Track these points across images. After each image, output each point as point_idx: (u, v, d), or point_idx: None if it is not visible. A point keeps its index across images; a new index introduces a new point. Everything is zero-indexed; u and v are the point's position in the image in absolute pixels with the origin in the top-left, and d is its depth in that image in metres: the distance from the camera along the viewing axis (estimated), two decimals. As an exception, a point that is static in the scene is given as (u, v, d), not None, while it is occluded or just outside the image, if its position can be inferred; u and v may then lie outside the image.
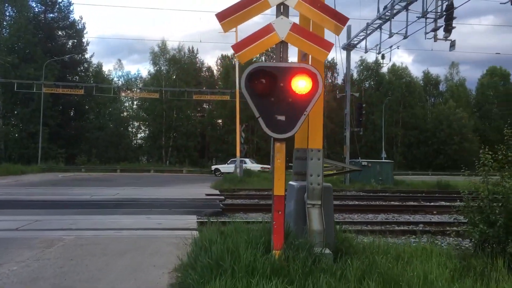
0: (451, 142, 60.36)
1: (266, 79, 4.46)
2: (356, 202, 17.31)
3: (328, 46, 4.70)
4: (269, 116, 4.54)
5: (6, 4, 43.95)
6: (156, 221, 10.27)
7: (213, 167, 41.58)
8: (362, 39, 24.30)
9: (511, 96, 70.72)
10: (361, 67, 64.27)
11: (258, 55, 60.38)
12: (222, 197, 17.49)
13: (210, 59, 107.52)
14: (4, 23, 44.41)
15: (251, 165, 35.73)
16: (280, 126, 4.54)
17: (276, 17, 4.70)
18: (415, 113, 62.82)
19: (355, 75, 65.90)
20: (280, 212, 4.86)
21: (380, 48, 22.84)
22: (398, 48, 22.69)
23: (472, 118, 65.14)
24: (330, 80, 64.42)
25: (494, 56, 58.24)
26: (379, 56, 23.03)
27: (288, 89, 4.46)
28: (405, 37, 19.99)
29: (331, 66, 63.61)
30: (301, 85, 4.40)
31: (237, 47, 4.69)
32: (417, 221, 11.99)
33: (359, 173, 26.38)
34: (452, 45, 17.69)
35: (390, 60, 23.13)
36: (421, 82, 69.80)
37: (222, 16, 4.62)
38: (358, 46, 25.66)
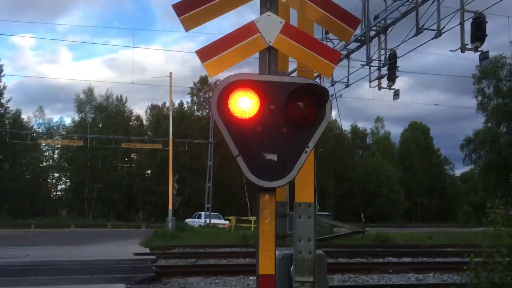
0: (380, 194, 61.49)
1: (250, 98, 2.98)
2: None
3: (335, 57, 3.34)
4: (253, 154, 3.03)
5: None
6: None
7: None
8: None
9: (431, 149, 74.42)
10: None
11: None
12: (154, 257, 15.30)
13: (139, 110, 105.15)
14: None
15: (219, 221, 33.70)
16: (270, 169, 3.03)
17: (261, 13, 3.27)
18: (345, 165, 63.77)
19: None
20: (269, 303, 3.23)
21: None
22: (341, 97, 21.93)
23: (398, 171, 67.25)
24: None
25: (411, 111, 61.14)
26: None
27: (282, 115, 3.00)
28: (347, 85, 19.54)
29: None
30: (302, 109, 2.96)
31: (203, 54, 3.18)
32: (380, 284, 10.66)
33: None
34: (396, 94, 17.34)
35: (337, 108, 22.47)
36: (349, 135, 71.65)
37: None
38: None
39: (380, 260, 16.32)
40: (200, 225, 31.84)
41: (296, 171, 3.10)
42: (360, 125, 76.25)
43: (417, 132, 73.54)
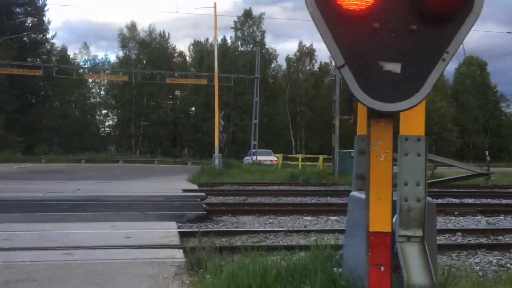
0: (431, 132, 59.22)
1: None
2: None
3: None
4: (366, 63, 2.09)
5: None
6: (124, 233, 7.66)
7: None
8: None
9: (487, 86, 70.32)
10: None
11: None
12: (203, 194, 14.93)
13: (181, 47, 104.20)
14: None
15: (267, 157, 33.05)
16: (390, 84, 2.10)
17: None
18: (394, 102, 61.24)
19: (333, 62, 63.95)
20: (382, 268, 2.40)
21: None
22: None
23: (450, 108, 64.23)
24: (308, 67, 62.29)
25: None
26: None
27: (410, 5, 2.01)
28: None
29: (309, 53, 61.47)
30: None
31: None
32: (451, 228, 9.73)
33: (347, 164, 24.33)
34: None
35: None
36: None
37: None
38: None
39: (440, 200, 15.30)
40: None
41: (429, 88, 2.15)
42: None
43: (473, 67, 69.28)
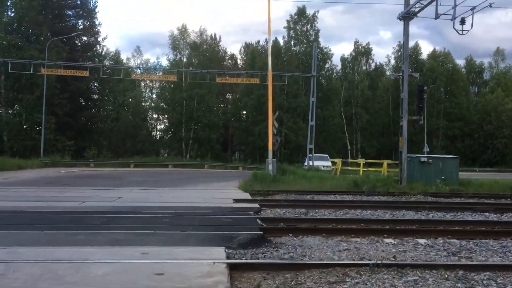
0: (500, 135, 54.60)
1: None
2: (438, 215, 12.48)
3: None
4: None
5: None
6: (155, 266, 5.71)
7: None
8: (429, 3, 19.30)
9: None
10: (399, 53, 58.67)
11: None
12: (256, 205, 12.89)
13: (232, 51, 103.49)
14: (8, 1, 40.46)
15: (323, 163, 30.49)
16: None
17: None
18: (459, 103, 57.07)
19: (392, 62, 60.66)
20: None
21: (455, 11, 17.81)
22: (491, 6, 16.81)
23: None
24: (364, 67, 59.26)
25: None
26: (456, 22, 17.91)
27: None
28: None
29: (366, 52, 58.49)
30: None
31: None
32: None
33: (416, 170, 21.68)
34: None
35: (472, 26, 17.82)
36: (463, 70, 63.82)
37: None
38: (420, 14, 20.70)
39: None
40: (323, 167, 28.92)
41: None
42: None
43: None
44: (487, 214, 12.76)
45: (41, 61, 33.26)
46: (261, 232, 8.52)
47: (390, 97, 56.71)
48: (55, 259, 5.97)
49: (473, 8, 17.77)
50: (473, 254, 7.51)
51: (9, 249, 6.50)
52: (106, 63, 50.32)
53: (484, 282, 5.75)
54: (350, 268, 6.14)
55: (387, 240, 8.49)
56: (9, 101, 40.46)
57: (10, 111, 40.36)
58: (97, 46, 50.13)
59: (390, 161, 29.24)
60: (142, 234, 8.16)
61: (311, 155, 29.97)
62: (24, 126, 39.98)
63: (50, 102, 38.65)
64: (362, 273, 5.99)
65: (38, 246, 6.88)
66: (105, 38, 51.01)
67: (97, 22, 49.24)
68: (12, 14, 40.43)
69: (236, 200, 14.11)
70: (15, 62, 33.36)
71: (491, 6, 16.84)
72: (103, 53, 51.77)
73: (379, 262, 6.33)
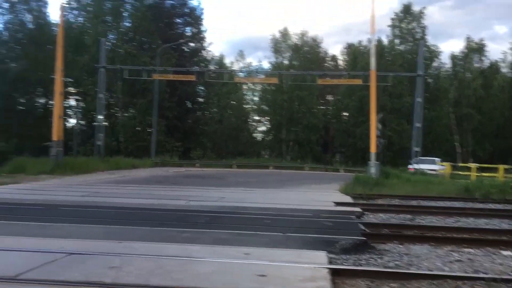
0: None
1: None
2: None
3: None
4: None
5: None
6: (258, 267, 5.77)
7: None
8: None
9: None
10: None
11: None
12: (358, 209, 12.56)
13: (334, 52, 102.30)
14: (125, 13, 43.85)
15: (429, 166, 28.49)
16: None
17: None
18: None
19: (509, 58, 55.81)
20: None
21: None
22: None
23: None
24: (477, 65, 55.16)
25: None
26: None
27: None
28: None
29: (479, 48, 54.43)
30: None
31: None
32: None
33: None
34: None
35: None
36: None
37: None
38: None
39: None
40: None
41: None
42: None
43: None
44: None
45: (153, 67, 35.62)
46: (364, 238, 8.26)
47: (507, 96, 52.14)
48: (164, 255, 6.30)
49: None
50: None
51: (124, 243, 6.98)
52: (211, 67, 52.48)
53: None
54: (463, 281, 5.72)
55: (505, 253, 7.80)
56: (125, 105, 43.84)
57: (125, 114, 43.72)
58: (203, 51, 52.50)
59: (506, 166, 26.83)
60: (244, 234, 8.33)
61: (419, 157, 28.39)
62: (138, 128, 43.07)
63: (161, 106, 41.27)
64: (475, 286, 5.54)
65: (149, 241, 7.31)
66: (210, 44, 53.48)
67: (203, 29, 51.68)
68: (128, 25, 43.78)
69: (337, 203, 13.86)
70: (130, 69, 36.14)
71: None
72: (208, 58, 54.11)
73: (497, 276, 5.81)
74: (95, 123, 36.41)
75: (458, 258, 7.21)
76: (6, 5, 41.27)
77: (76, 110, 35.62)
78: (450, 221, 11.39)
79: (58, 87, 26.68)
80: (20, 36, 41.57)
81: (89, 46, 40.92)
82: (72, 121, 42.69)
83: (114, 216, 10.35)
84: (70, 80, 40.61)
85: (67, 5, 47.24)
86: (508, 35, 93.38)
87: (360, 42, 59.29)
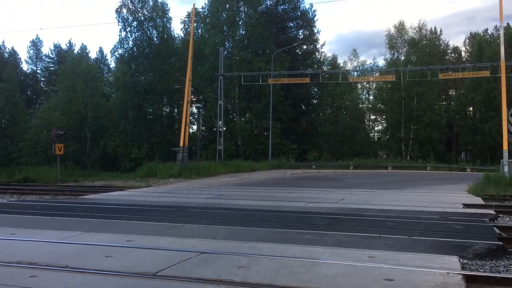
0: None
1: None
2: None
3: None
4: None
5: (241, 2, 44.83)
6: (384, 270, 5.61)
7: None
8: None
9: None
10: None
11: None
12: (491, 212, 11.63)
13: (456, 43, 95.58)
14: (239, 21, 45.41)
15: None
16: None
17: None
18: None
19: None
20: None
21: None
22: None
23: None
24: None
25: None
26: None
27: None
28: None
29: None
30: None
31: None
32: None
33: None
34: None
35: None
36: None
37: None
38: None
39: None
40: None
41: None
42: None
43: None
44: None
45: (268, 72, 36.48)
46: (501, 243, 7.63)
47: None
48: (288, 256, 6.42)
49: None
50: None
51: (250, 244, 7.24)
52: (325, 68, 52.19)
53: None
54: None
55: None
56: (242, 109, 45.43)
57: (242, 119, 45.30)
58: (316, 53, 52.45)
59: None
60: (366, 237, 8.15)
61: None
62: (255, 132, 44.33)
63: (275, 109, 42.03)
64: None
65: (272, 242, 7.50)
66: (323, 45, 53.30)
67: (315, 30, 51.63)
68: (243, 32, 45.37)
69: (466, 205, 12.97)
70: (246, 75, 37.43)
71: None
72: (321, 59, 53.89)
73: None
74: (215, 129, 38.24)
75: None
76: (135, 23, 45.08)
77: (198, 117, 37.78)
78: None
79: (186, 96, 28.74)
80: (147, 51, 45.18)
81: (208, 55, 43.14)
82: (195, 127, 45.32)
83: (237, 217, 10.78)
84: (191, 88, 43.33)
85: (187, 19, 50.45)
86: None
87: (485, 30, 54.86)
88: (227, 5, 44.30)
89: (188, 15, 49.51)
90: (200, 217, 10.80)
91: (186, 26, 51.84)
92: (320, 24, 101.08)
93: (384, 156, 52.56)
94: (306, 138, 47.25)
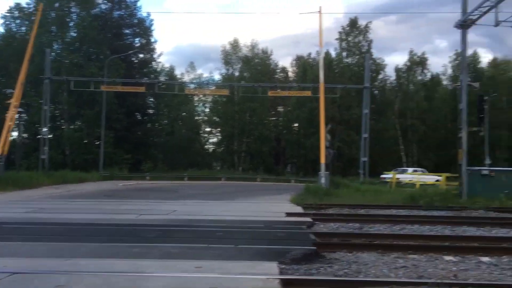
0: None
1: None
2: (502, 231, 11.85)
3: None
4: None
5: (73, 2, 42.23)
6: (210, 280, 5.75)
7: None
8: (488, 10, 18.59)
9: None
10: (456, 62, 56.73)
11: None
12: (309, 219, 12.76)
13: (284, 64, 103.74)
14: (70, 23, 42.73)
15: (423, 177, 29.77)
16: None
17: None
18: (523, 114, 54.20)
19: (449, 71, 58.72)
20: None
21: (517, 18, 17.05)
22: None
23: None
24: (420, 77, 57.62)
25: None
26: (518, 29, 17.15)
27: None
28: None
29: (421, 62, 56.91)
30: None
31: None
32: None
33: (477, 184, 20.70)
34: None
35: (536, 31, 16.95)
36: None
37: None
38: (478, 21, 19.96)
39: None
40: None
41: None
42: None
43: None
44: None
45: (101, 78, 34.84)
46: (315, 247, 8.40)
47: (448, 108, 54.60)
48: (114, 271, 6.14)
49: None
50: (543, 274, 7.04)
51: (72, 261, 6.76)
52: (162, 78, 51.89)
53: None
54: (407, 287, 5.93)
55: (447, 258, 8.15)
56: (72, 116, 42.51)
57: (72, 126, 42.40)
58: (153, 62, 51.90)
59: (448, 174, 28.15)
60: (195, 247, 8.26)
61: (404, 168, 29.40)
62: (85, 141, 41.81)
63: (109, 117, 40.27)
64: (420, 292, 5.76)
65: (98, 258, 7.11)
66: (160, 55, 52.93)
67: (152, 40, 51.12)
68: (75, 34, 42.67)
69: (289, 214, 14.03)
70: (76, 80, 35.17)
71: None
72: (158, 69, 53.49)
73: (439, 281, 6.07)
74: (39, 136, 35.06)
75: (404, 265, 7.47)
76: None
77: (19, 122, 34.10)
78: (396, 229, 11.77)
79: (15, 101, 25.85)
80: None
81: (33, 56, 39.49)
82: (14, 134, 40.92)
83: (59, 232, 9.98)
84: (12, 91, 39.11)
85: (9, 14, 45.51)
86: (448, 49, 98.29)
87: (309, 54, 60.52)
88: (57, 4, 41.21)
89: (11, 9, 44.76)
90: (16, 234, 9.71)
91: (8, 22, 46.63)
92: (158, 34, 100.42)
93: (218, 168, 54.24)
94: (141, 148, 46.18)
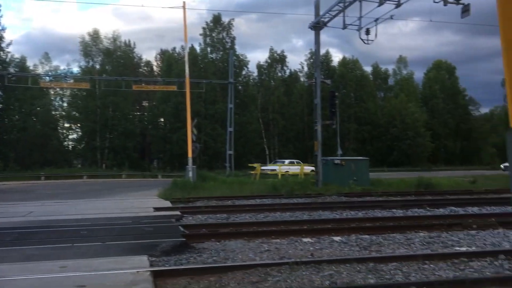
0: (405, 137, 58.72)
1: None
2: (351, 213, 13.34)
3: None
4: None
5: None
6: (76, 278, 5.61)
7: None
8: (337, 14, 20.45)
9: (457, 89, 70.55)
10: (311, 60, 61.07)
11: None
12: (178, 213, 12.89)
13: (148, 57, 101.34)
14: None
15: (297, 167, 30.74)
16: None
17: None
18: (367, 108, 60.61)
19: (305, 69, 63.00)
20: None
21: (361, 22, 19.05)
22: (392, 18, 17.90)
23: (424, 113, 63.84)
24: (279, 74, 60.93)
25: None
26: (362, 32, 19.15)
27: None
28: (398, 5, 16.29)
29: (281, 59, 60.23)
30: None
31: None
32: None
33: (330, 172, 22.80)
34: (466, 10, 14.11)
35: (376, 35, 19.14)
36: (370, 76, 67.77)
37: None
38: (329, 24, 21.85)
39: (442, 210, 13.76)
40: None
41: None
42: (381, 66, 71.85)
43: (442, 72, 69.26)
44: (394, 210, 13.78)
45: None
46: (184, 239, 8.59)
47: (305, 103, 58.71)
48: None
49: (376, 20, 19.13)
50: (382, 248, 8.15)
51: None
52: (11, 70, 47.10)
53: (392, 271, 6.30)
54: (271, 268, 6.43)
55: (305, 240, 8.94)
56: None
57: None
58: (1, 52, 46.89)
59: (306, 165, 30.39)
60: (58, 247, 7.90)
61: (280, 160, 30.58)
62: None
63: None
64: (282, 271, 6.30)
65: None
66: (9, 44, 47.74)
67: (0, 28, 46.20)
68: None
69: (157, 209, 13.99)
70: None
71: (392, 18, 18.23)
72: (7, 59, 48.43)
73: (298, 260, 6.69)
74: None
75: (267, 248, 8.05)
76: None
77: None
78: (260, 217, 12.49)
79: None
80: None
81: None
82: None
83: None
84: None
85: None
86: (304, 48, 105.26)
87: (174, 48, 60.21)
88: None
89: None
90: None
91: None
92: (6, 20, 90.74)
93: (80, 166, 51.27)
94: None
